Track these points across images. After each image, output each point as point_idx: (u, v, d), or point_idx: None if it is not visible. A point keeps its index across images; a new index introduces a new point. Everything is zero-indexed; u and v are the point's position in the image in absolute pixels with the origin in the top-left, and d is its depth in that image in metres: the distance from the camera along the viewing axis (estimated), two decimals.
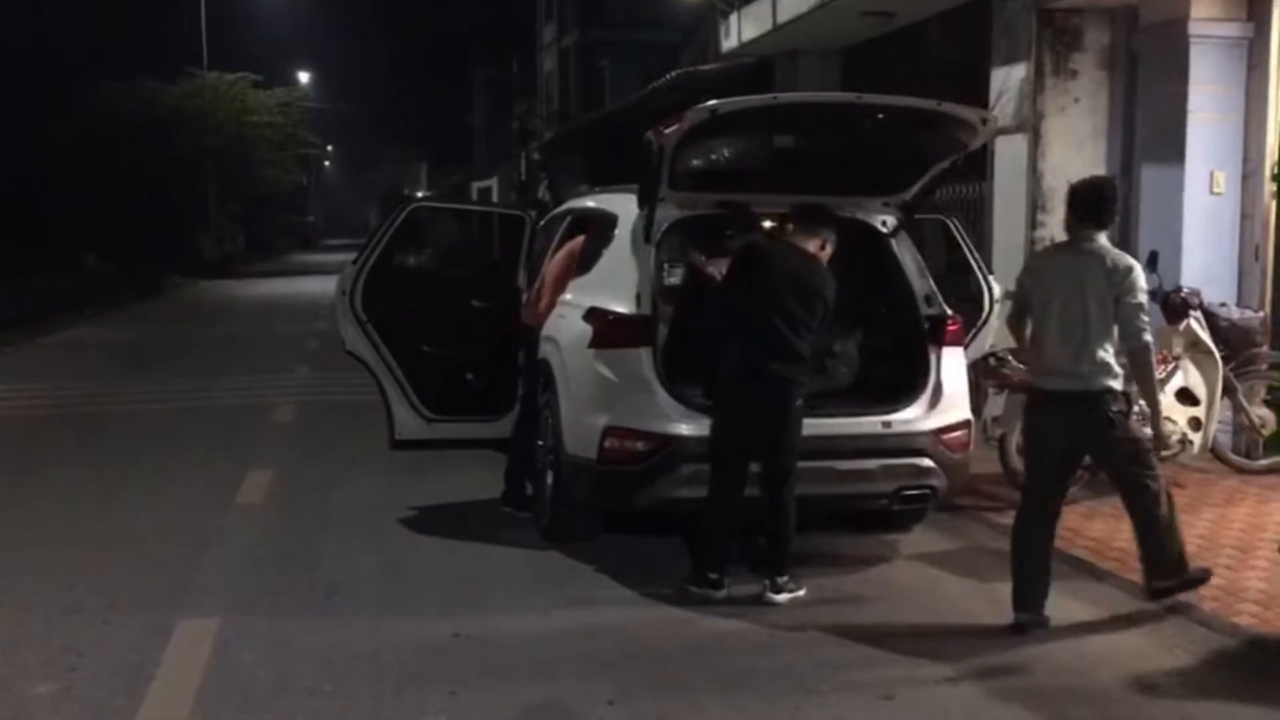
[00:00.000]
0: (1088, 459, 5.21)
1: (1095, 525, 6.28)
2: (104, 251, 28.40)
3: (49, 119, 31.28)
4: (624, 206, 6.07)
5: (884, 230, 6.15)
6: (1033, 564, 4.94)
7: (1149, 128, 8.41)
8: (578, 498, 5.88)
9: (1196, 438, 6.87)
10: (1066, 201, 5.02)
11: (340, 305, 6.84)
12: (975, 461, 6.23)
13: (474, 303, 7.15)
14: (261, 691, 4.27)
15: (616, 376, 5.61)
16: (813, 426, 5.37)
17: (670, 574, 5.48)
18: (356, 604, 5.24)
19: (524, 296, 7.02)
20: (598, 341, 5.69)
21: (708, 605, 5.17)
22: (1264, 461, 7.37)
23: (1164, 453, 6.66)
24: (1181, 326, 6.92)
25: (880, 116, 5.68)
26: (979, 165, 8.95)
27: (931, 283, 6.11)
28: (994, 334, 7.34)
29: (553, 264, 6.64)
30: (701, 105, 5.27)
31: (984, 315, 7.21)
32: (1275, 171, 7.78)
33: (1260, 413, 7.24)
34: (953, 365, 5.95)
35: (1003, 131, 8.48)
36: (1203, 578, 5.06)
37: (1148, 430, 5.09)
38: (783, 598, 5.20)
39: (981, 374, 6.99)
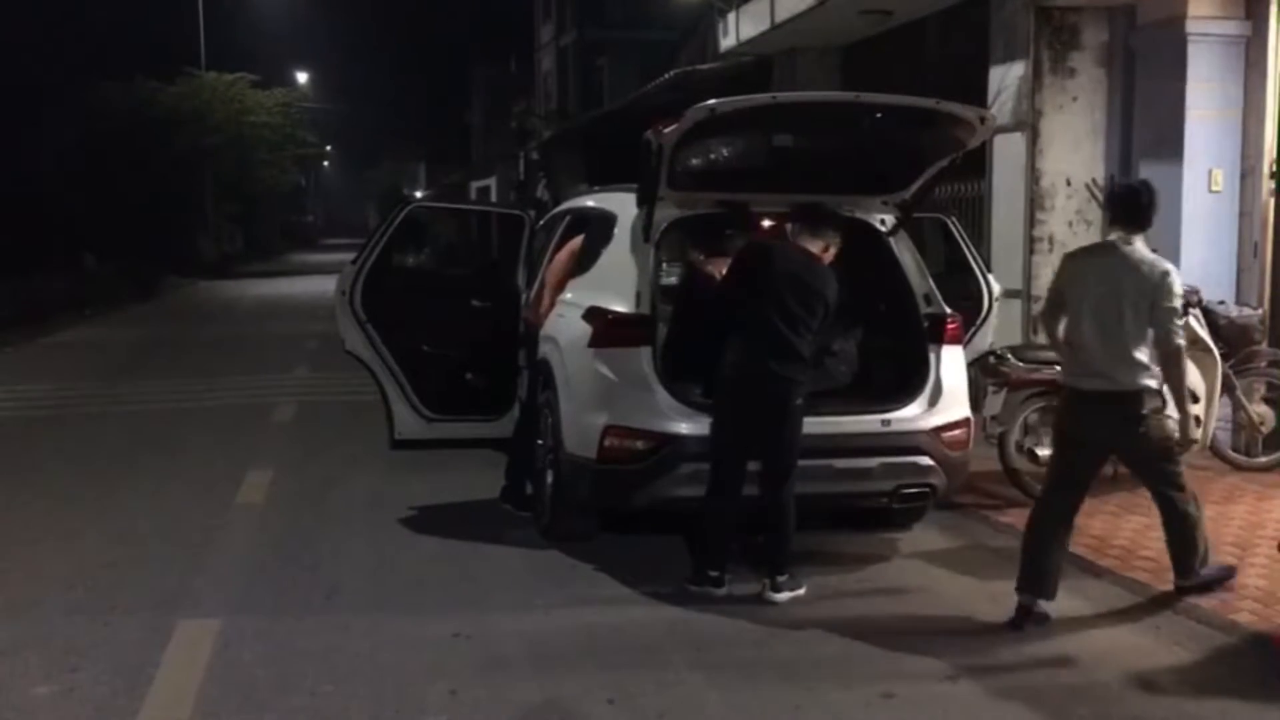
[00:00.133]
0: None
1: (1095, 523, 6.28)
2: (103, 252, 28.38)
3: (48, 119, 31.26)
4: (623, 206, 6.07)
5: (883, 229, 6.16)
6: (1045, 553, 4.97)
7: (1147, 126, 8.42)
8: (577, 497, 5.88)
9: (1196, 435, 6.87)
10: (1104, 203, 5.04)
11: (340, 305, 6.84)
12: (974, 460, 6.22)
13: (473, 302, 7.15)
14: (262, 691, 4.27)
15: (616, 375, 5.61)
16: (812, 425, 5.37)
17: (670, 573, 5.48)
18: (357, 604, 5.24)
19: (523, 296, 7.03)
20: (597, 340, 5.69)
21: (708, 604, 5.18)
22: (1263, 459, 7.38)
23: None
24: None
25: (879, 115, 5.68)
26: (977, 164, 8.95)
27: (930, 281, 6.11)
28: (993, 332, 7.35)
29: (553, 264, 6.64)
30: (700, 104, 5.27)
31: (983, 314, 7.22)
32: (1273, 169, 7.79)
33: (1259, 410, 7.25)
34: (952, 364, 5.95)
35: (1001, 130, 8.47)
36: (1227, 576, 5.11)
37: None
38: (783, 596, 5.21)
39: (981, 372, 6.99)
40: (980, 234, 9.17)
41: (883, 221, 6.17)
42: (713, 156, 5.89)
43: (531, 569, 5.74)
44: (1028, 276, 8.86)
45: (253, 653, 4.64)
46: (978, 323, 7.14)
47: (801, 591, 5.25)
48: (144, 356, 15.36)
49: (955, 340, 6.05)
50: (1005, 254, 8.98)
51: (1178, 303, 4.82)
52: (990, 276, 7.39)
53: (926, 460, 5.72)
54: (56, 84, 32.08)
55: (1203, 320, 6.94)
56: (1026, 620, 4.89)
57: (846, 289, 6.33)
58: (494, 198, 37.70)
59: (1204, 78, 7.89)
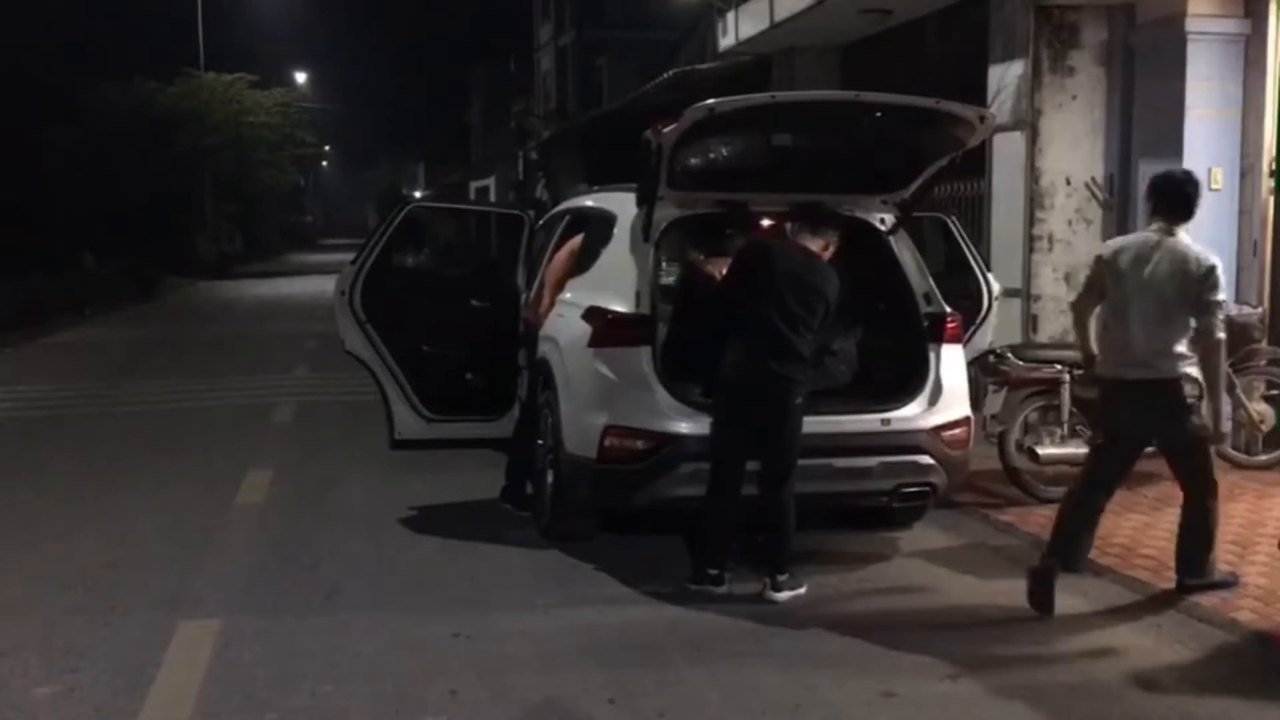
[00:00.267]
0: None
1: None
2: (102, 252, 28.37)
3: (47, 120, 31.24)
4: (622, 205, 6.07)
5: (883, 228, 6.15)
6: (1080, 521, 5.07)
7: (1146, 124, 8.42)
8: (578, 497, 5.88)
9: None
10: (1145, 194, 5.07)
11: (339, 305, 6.84)
12: (975, 459, 6.23)
13: (473, 302, 7.15)
14: (262, 692, 4.27)
15: (616, 375, 5.61)
16: (812, 424, 5.37)
17: (670, 572, 5.48)
18: (357, 604, 5.24)
19: (523, 296, 7.02)
20: (597, 340, 5.69)
21: (708, 603, 5.18)
22: (1263, 457, 7.38)
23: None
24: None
25: (878, 114, 5.68)
26: (977, 163, 8.95)
27: (930, 280, 6.11)
28: (993, 331, 7.35)
29: (552, 264, 6.64)
30: (700, 104, 5.27)
31: (983, 312, 7.22)
32: (1273, 167, 7.79)
33: (1259, 408, 7.25)
34: (952, 363, 5.95)
35: (1000, 129, 8.47)
36: (1231, 583, 5.11)
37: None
38: (783, 595, 5.21)
39: (980, 371, 6.99)
40: (980, 233, 9.17)
41: (882, 221, 6.17)
42: (712, 156, 5.89)
43: (532, 569, 5.74)
44: (1027, 275, 8.86)
45: (253, 653, 4.63)
46: (977, 322, 7.14)
47: (802, 591, 5.25)
48: (143, 357, 15.36)
49: (955, 339, 6.05)
50: (1005, 253, 8.98)
51: (1221, 296, 4.85)
52: (990, 275, 7.39)
53: (926, 459, 5.72)
54: (56, 84, 32.07)
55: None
56: (1041, 583, 4.95)
57: (846, 288, 6.33)
58: (493, 198, 37.70)
59: (1203, 76, 7.89)
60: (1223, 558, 5.47)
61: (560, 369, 5.95)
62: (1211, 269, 4.82)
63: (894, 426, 5.71)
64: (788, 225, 5.75)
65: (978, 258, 7.46)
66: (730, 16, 13.33)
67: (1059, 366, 6.84)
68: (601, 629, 4.89)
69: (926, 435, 5.72)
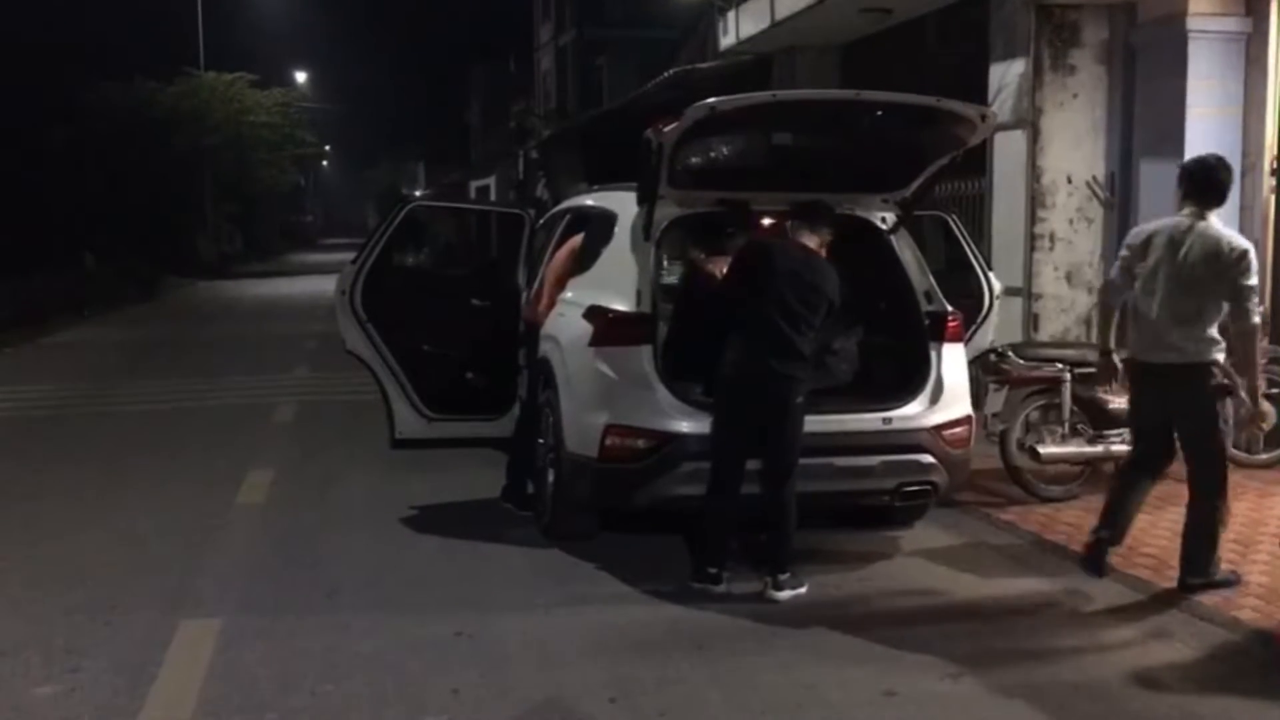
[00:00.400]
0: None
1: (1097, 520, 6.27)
2: (102, 252, 28.38)
3: (47, 120, 31.24)
4: (623, 204, 6.06)
5: (884, 227, 6.15)
6: (1126, 499, 5.21)
7: (1148, 123, 8.41)
8: (578, 496, 5.87)
9: (1268, 410, 6.87)
10: (1177, 179, 5.10)
11: (340, 305, 6.84)
12: (976, 457, 6.23)
13: (473, 302, 7.14)
14: (263, 691, 4.27)
15: (617, 374, 5.61)
16: (813, 423, 5.37)
17: (671, 571, 5.48)
18: (358, 603, 5.24)
19: (524, 296, 7.02)
20: (598, 339, 5.68)
21: (709, 602, 5.17)
22: (1264, 456, 7.37)
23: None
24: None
25: (879, 113, 5.68)
26: (978, 161, 8.94)
27: (931, 279, 6.11)
28: (994, 330, 7.35)
29: (552, 263, 6.63)
30: (700, 103, 5.26)
31: (984, 311, 7.21)
32: (1274, 166, 7.78)
33: (1261, 407, 7.23)
34: (953, 361, 5.95)
35: (1001, 127, 8.46)
36: (1233, 582, 5.11)
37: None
38: (784, 595, 5.20)
39: (982, 370, 6.99)
40: (981, 232, 9.17)
41: (883, 219, 6.17)
42: (713, 155, 5.89)
43: (533, 568, 5.74)
44: (1028, 274, 8.85)
45: (254, 652, 4.63)
46: (979, 320, 7.13)
47: (803, 590, 5.25)
48: (144, 357, 15.36)
49: (956, 338, 6.04)
50: (1006, 252, 8.98)
51: (1254, 280, 4.87)
52: (991, 274, 7.39)
53: (928, 458, 5.72)
54: (56, 84, 32.07)
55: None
56: (1094, 554, 5.25)
57: (847, 287, 6.32)
58: (493, 197, 37.67)
59: (1204, 75, 7.88)
60: (1225, 556, 5.46)
61: (561, 368, 5.94)
62: (1244, 253, 4.85)
63: (895, 425, 5.70)
64: (786, 224, 5.75)
65: (979, 256, 7.46)
66: (731, 15, 13.33)
67: (1060, 365, 6.83)
68: (603, 628, 4.89)
69: (928, 434, 5.72)
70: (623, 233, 5.97)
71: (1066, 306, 8.89)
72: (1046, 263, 8.84)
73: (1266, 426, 7.18)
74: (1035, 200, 8.82)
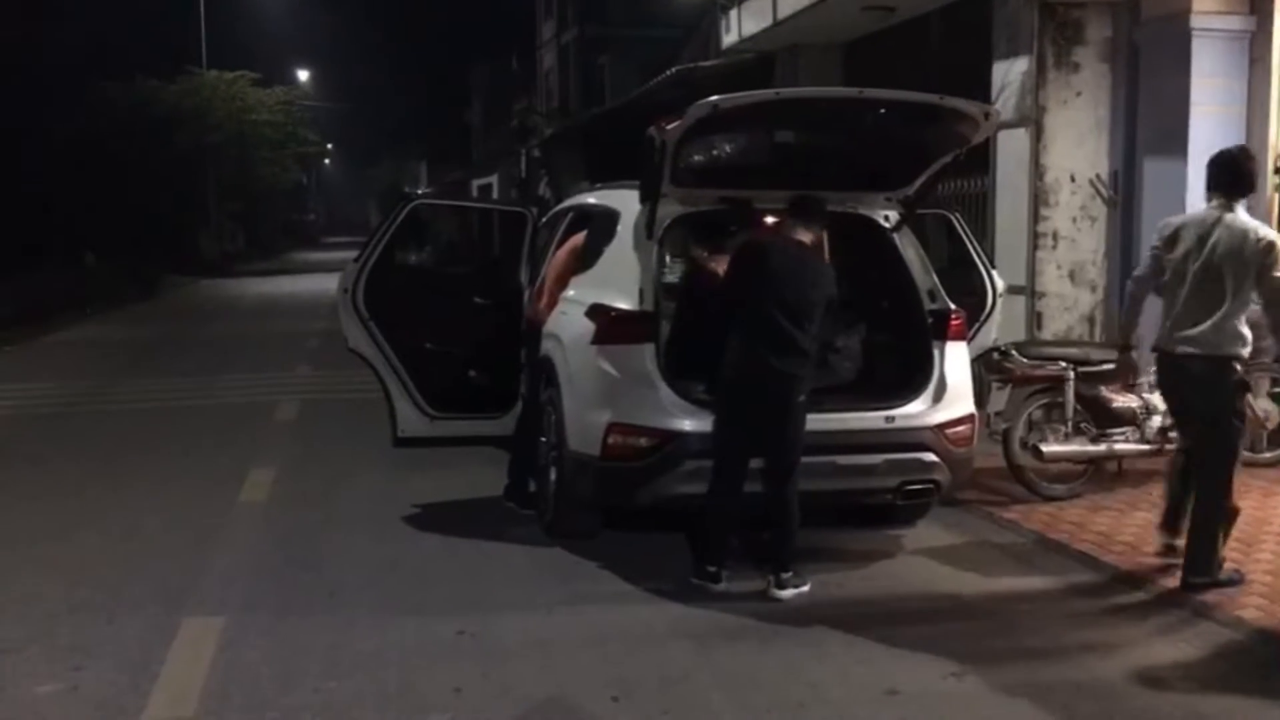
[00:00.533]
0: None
1: (1100, 519, 6.28)
2: (104, 250, 28.40)
3: (49, 118, 31.25)
4: (626, 202, 6.06)
5: (887, 225, 6.14)
6: (1180, 487, 5.22)
7: (1151, 121, 8.40)
8: (581, 494, 5.87)
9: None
10: (1206, 170, 5.13)
11: (342, 303, 6.83)
12: (979, 456, 6.22)
13: (476, 300, 7.14)
14: (266, 689, 4.27)
15: (619, 373, 5.60)
16: (816, 421, 5.36)
17: (673, 570, 5.48)
18: (360, 602, 5.24)
19: (526, 294, 7.02)
20: (600, 338, 5.68)
21: (711, 601, 5.17)
22: (1268, 454, 7.36)
23: (1168, 446, 6.70)
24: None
25: (882, 111, 5.67)
26: (981, 160, 8.93)
27: (934, 277, 6.10)
28: (997, 328, 7.34)
29: (554, 261, 6.63)
30: (703, 101, 5.25)
31: (987, 310, 7.20)
32: (1277, 165, 7.77)
33: (1265, 406, 7.22)
34: (956, 360, 5.94)
35: (1005, 125, 8.45)
36: (1237, 581, 5.10)
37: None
38: (787, 593, 5.20)
39: (985, 368, 6.98)
40: (984, 230, 9.15)
41: (886, 217, 6.16)
42: (715, 153, 5.88)
43: (535, 566, 5.74)
44: (1032, 272, 8.84)
45: (257, 650, 4.63)
46: (982, 319, 7.12)
47: (806, 588, 5.25)
48: (146, 355, 15.36)
49: (959, 336, 6.04)
50: (1009, 250, 8.96)
51: None
52: (994, 272, 7.38)
53: (931, 456, 5.71)
54: (58, 83, 32.08)
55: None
56: (1169, 554, 5.30)
57: (851, 285, 6.31)
58: (495, 195, 37.67)
59: (1208, 73, 7.87)
60: (1228, 555, 5.46)
61: (564, 366, 5.94)
62: (1272, 244, 4.87)
63: (898, 424, 5.70)
64: (780, 221, 5.74)
65: (982, 255, 7.45)
66: (733, 14, 13.31)
67: (1063, 364, 6.82)
68: (605, 626, 4.89)
69: (931, 432, 5.71)
70: (625, 231, 5.97)
71: (1070, 305, 8.88)
72: (1049, 261, 8.83)
73: (1270, 425, 7.20)
74: (1038, 198, 8.81)
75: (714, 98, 5.31)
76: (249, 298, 26.39)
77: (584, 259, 6.35)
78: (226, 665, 4.50)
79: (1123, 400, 6.84)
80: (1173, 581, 5.19)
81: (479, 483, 7.12)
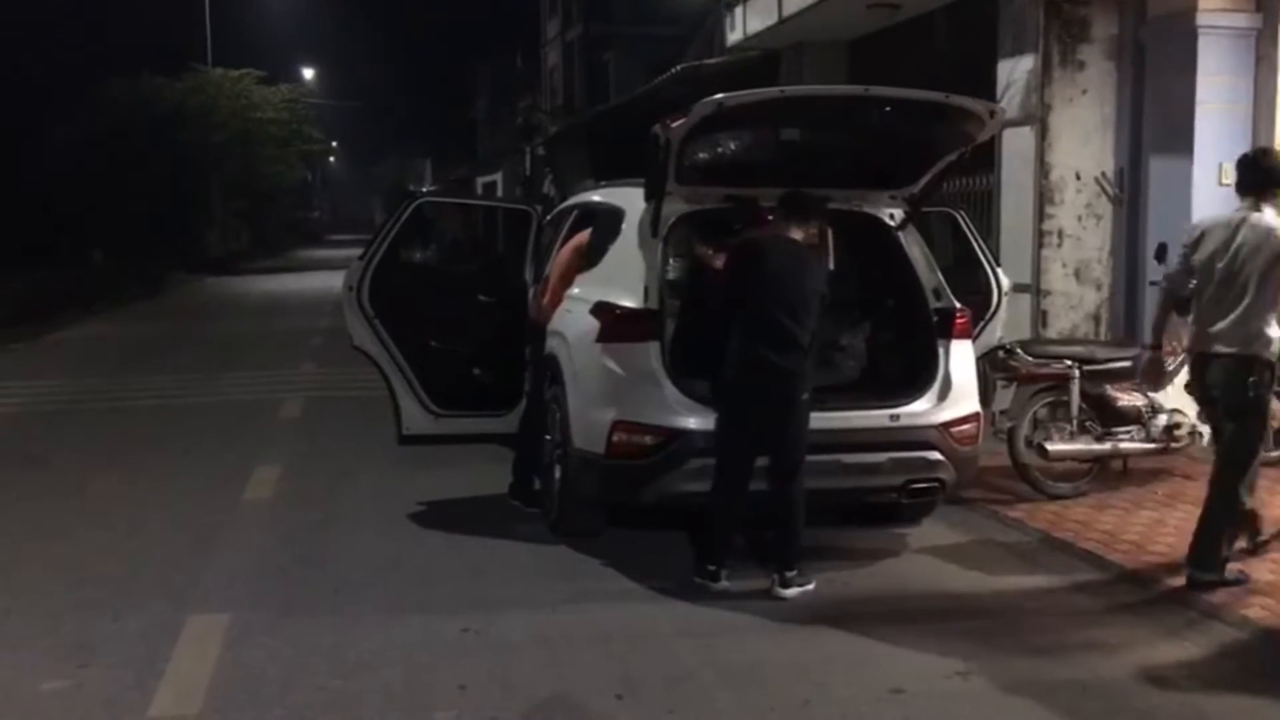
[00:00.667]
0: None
1: (1105, 518, 6.27)
2: (109, 248, 28.44)
3: (55, 116, 31.30)
4: (630, 200, 6.06)
5: (891, 223, 6.14)
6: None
7: (1157, 119, 8.39)
8: (585, 492, 5.87)
9: (1206, 429, 6.85)
10: (1236, 170, 5.17)
11: (347, 301, 6.83)
12: (984, 455, 6.22)
13: (480, 298, 7.14)
14: (271, 686, 4.28)
15: (624, 370, 5.60)
16: (821, 420, 5.36)
17: (678, 568, 5.47)
18: (365, 599, 5.24)
19: (530, 292, 7.01)
20: (605, 336, 5.68)
21: (716, 599, 5.17)
22: (1274, 453, 7.34)
23: (1174, 445, 6.69)
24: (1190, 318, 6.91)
25: (888, 109, 5.66)
26: (986, 158, 8.92)
27: (939, 275, 6.09)
28: (1002, 327, 7.33)
29: (558, 259, 6.63)
30: (708, 98, 5.25)
31: (992, 308, 7.19)
32: None
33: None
34: (961, 358, 5.93)
35: (1010, 124, 8.45)
36: (1241, 581, 5.09)
37: None
38: (792, 592, 5.20)
39: (990, 367, 6.97)
40: (989, 228, 9.15)
41: (891, 216, 6.15)
42: (720, 151, 5.87)
43: (539, 564, 5.74)
44: (1037, 271, 8.84)
45: (262, 647, 4.64)
46: (987, 317, 7.11)
47: (810, 587, 5.24)
48: (151, 352, 15.38)
49: (964, 335, 6.02)
50: (1014, 248, 8.96)
51: None
52: (999, 271, 7.37)
53: (936, 455, 5.70)
54: (63, 81, 32.13)
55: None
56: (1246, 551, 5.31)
57: (856, 283, 6.30)
58: (500, 193, 37.65)
59: (1214, 71, 7.86)
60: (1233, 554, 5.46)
61: (568, 364, 5.94)
62: None
63: (903, 422, 5.69)
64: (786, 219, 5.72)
65: (987, 253, 7.44)
66: (738, 11, 13.31)
67: (1069, 362, 6.81)
68: (609, 624, 4.89)
69: (936, 431, 5.71)
70: (630, 229, 5.97)
71: (1075, 303, 8.87)
72: (1055, 259, 8.82)
73: (1275, 424, 7.18)
74: (1044, 197, 8.80)
75: (719, 95, 5.30)
76: (254, 295, 26.41)
77: (589, 257, 6.34)
78: (232, 663, 4.50)
79: (1128, 399, 6.82)
80: (1178, 581, 5.18)
81: (483, 481, 7.13)
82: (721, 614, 5.02)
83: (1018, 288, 8.31)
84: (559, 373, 6.04)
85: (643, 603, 5.18)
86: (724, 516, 5.36)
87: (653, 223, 5.74)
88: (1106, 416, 6.79)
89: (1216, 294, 5.00)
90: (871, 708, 4.09)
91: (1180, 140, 7.94)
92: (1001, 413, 6.89)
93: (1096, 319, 8.88)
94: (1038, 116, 8.75)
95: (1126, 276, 8.80)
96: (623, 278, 5.79)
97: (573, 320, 6.03)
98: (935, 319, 5.93)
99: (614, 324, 5.67)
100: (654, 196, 5.71)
